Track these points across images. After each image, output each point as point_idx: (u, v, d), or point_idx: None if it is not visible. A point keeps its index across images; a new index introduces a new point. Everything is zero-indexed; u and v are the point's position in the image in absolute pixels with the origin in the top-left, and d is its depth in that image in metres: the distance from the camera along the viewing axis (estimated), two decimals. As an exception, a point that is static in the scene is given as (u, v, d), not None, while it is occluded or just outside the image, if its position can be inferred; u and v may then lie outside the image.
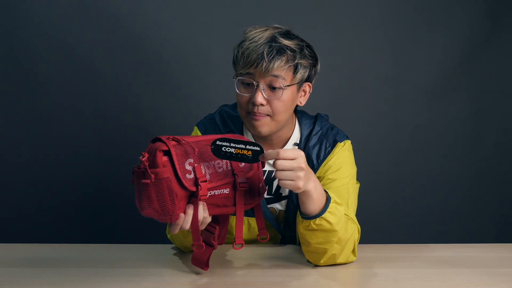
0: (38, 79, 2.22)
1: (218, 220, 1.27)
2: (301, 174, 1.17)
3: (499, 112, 2.40)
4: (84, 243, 1.51)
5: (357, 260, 1.36)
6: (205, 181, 1.13)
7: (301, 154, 1.18)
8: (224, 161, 1.19)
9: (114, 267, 1.28)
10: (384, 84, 2.35)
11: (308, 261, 1.34)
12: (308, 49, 1.40)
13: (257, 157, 1.15)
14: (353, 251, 1.34)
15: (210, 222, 1.22)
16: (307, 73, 1.40)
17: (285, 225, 1.49)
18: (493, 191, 2.41)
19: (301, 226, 1.27)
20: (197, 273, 1.25)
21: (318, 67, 1.44)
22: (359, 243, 1.37)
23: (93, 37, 2.22)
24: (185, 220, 1.13)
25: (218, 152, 1.14)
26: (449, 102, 2.37)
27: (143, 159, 1.08)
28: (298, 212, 1.29)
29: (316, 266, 1.31)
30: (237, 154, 1.15)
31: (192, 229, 1.14)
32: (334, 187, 1.40)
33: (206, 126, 1.51)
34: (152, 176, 1.08)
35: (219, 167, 1.18)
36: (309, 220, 1.25)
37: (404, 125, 2.36)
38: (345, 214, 1.30)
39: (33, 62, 2.21)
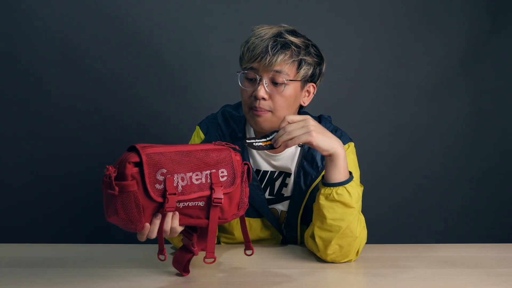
0: (38, 79, 2.22)
1: (195, 227, 1.23)
2: (311, 126, 1.24)
3: (499, 112, 2.40)
4: (84, 243, 1.51)
5: (357, 260, 1.36)
6: (174, 194, 1.10)
7: (307, 116, 1.27)
8: (204, 173, 1.15)
9: (114, 267, 1.28)
10: (384, 84, 2.35)
11: (317, 259, 1.33)
12: (313, 47, 1.41)
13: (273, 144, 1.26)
14: (357, 251, 1.34)
15: (187, 229, 1.20)
16: (311, 71, 1.40)
17: (287, 226, 1.49)
18: (493, 191, 2.42)
19: (322, 196, 1.30)
20: (197, 273, 1.25)
21: (323, 67, 1.45)
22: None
23: (93, 37, 2.22)
24: (151, 230, 1.11)
25: (251, 146, 1.27)
26: (449, 102, 2.37)
27: (107, 173, 1.06)
28: (320, 183, 1.32)
29: (316, 266, 1.31)
30: (266, 145, 1.28)
31: (158, 238, 1.13)
32: None
33: (208, 126, 1.51)
34: (116, 188, 1.05)
35: (197, 179, 1.14)
36: (331, 188, 1.28)
37: (404, 125, 2.36)
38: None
39: (33, 62, 2.21)
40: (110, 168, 1.07)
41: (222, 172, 1.17)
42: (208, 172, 1.15)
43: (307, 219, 1.44)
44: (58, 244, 1.49)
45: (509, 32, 2.35)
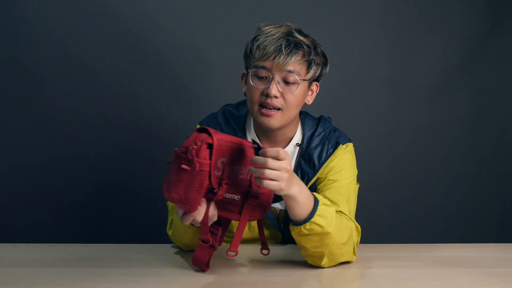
0: (38, 79, 2.22)
1: (221, 222, 1.27)
2: (285, 176, 1.16)
3: (499, 112, 2.40)
4: (84, 243, 1.51)
5: (357, 260, 1.36)
6: (228, 184, 1.15)
7: (289, 156, 1.18)
8: (246, 171, 1.19)
9: (114, 267, 1.28)
10: (384, 84, 2.35)
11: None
12: (320, 47, 1.43)
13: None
14: (354, 251, 1.34)
15: (213, 223, 1.23)
16: (318, 71, 1.42)
17: (286, 225, 1.50)
18: (493, 191, 2.41)
19: (294, 233, 1.27)
20: (198, 273, 1.25)
21: (328, 68, 1.46)
22: (360, 243, 1.37)
23: (93, 37, 2.22)
24: (200, 213, 1.15)
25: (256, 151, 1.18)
26: (449, 102, 2.37)
27: (194, 146, 1.10)
28: (290, 222, 1.28)
29: (315, 266, 1.31)
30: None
31: (202, 223, 1.17)
32: (335, 187, 1.41)
33: (209, 125, 1.51)
34: (197, 165, 1.09)
35: (241, 173, 1.18)
36: (299, 226, 1.24)
37: (404, 125, 2.36)
38: (339, 214, 1.33)
39: (33, 62, 2.20)
40: (198, 142, 1.10)
41: None
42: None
43: None
44: (58, 244, 1.49)
45: (509, 32, 2.35)
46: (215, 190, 1.14)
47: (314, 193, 1.28)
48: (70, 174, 2.26)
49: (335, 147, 1.47)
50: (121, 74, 2.25)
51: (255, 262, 1.34)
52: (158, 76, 2.26)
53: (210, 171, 1.12)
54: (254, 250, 1.43)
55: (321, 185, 1.44)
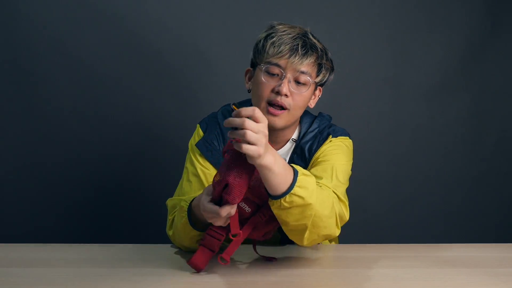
0: (38, 80, 2.22)
1: (227, 227, 1.23)
2: (264, 140, 1.07)
3: (499, 112, 2.40)
4: (84, 243, 1.51)
5: (357, 260, 1.36)
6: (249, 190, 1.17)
7: (265, 119, 1.09)
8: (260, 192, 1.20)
9: (114, 267, 1.28)
10: (384, 84, 2.35)
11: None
12: (330, 53, 1.45)
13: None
14: (336, 224, 1.28)
15: (217, 228, 1.22)
16: (326, 76, 1.44)
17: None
18: (493, 191, 2.42)
19: (273, 208, 1.17)
20: (197, 273, 1.25)
21: (333, 75, 1.48)
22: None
23: (93, 37, 2.22)
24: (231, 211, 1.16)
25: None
26: (449, 102, 2.37)
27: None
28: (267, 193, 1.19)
29: (316, 266, 1.31)
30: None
31: (232, 219, 1.18)
32: (321, 166, 1.39)
33: (208, 124, 1.51)
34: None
35: (262, 186, 1.18)
36: (279, 200, 1.14)
37: (404, 125, 2.36)
38: (319, 185, 1.26)
39: (33, 62, 2.21)
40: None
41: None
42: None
43: None
44: (58, 244, 1.49)
45: (509, 32, 2.35)
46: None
47: (292, 164, 1.19)
48: (70, 174, 2.26)
49: (325, 139, 1.47)
50: (121, 74, 2.25)
51: (255, 262, 1.34)
52: (158, 76, 2.26)
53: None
54: (253, 250, 1.43)
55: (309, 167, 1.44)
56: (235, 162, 1.13)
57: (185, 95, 2.28)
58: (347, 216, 1.34)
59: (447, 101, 2.37)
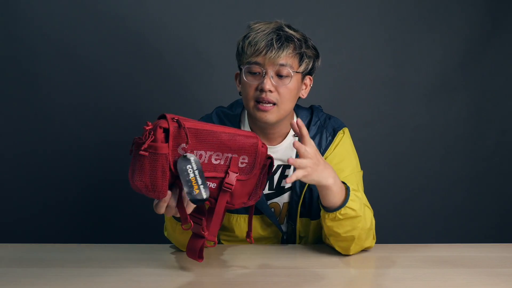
0: (38, 79, 2.22)
1: (203, 211, 1.24)
2: (317, 167, 1.24)
3: (499, 112, 2.39)
4: (84, 243, 1.51)
5: (357, 260, 1.36)
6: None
7: (315, 150, 1.26)
8: (225, 155, 1.17)
9: (114, 267, 1.28)
10: (384, 84, 2.35)
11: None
12: (310, 41, 1.46)
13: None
14: (374, 236, 1.42)
15: (195, 213, 1.21)
16: (310, 64, 1.44)
17: (289, 218, 1.50)
18: (493, 191, 2.41)
19: (328, 219, 1.32)
20: (197, 273, 1.25)
21: (320, 61, 1.48)
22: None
23: (93, 37, 2.21)
24: (171, 199, 1.14)
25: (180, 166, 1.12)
26: (449, 102, 2.37)
27: (147, 128, 1.09)
28: (321, 208, 1.34)
29: (316, 266, 1.32)
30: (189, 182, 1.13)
31: (178, 209, 1.15)
32: (343, 178, 1.42)
33: None
34: (153, 149, 1.09)
35: (216, 159, 1.17)
36: (335, 212, 1.30)
37: (404, 125, 2.36)
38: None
39: (33, 62, 2.20)
40: (149, 124, 1.10)
41: (244, 159, 1.19)
42: (229, 155, 1.18)
43: (306, 211, 1.48)
44: (58, 244, 1.49)
45: (509, 32, 2.35)
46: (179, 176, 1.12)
47: (342, 180, 1.34)
48: (70, 174, 2.26)
49: (333, 135, 1.50)
50: (121, 74, 2.25)
51: (255, 262, 1.34)
52: (158, 76, 2.26)
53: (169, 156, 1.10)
54: (253, 250, 1.43)
55: None
56: (134, 164, 1.11)
57: (185, 95, 2.28)
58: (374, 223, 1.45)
59: (447, 101, 2.36)
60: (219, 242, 1.56)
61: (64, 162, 2.26)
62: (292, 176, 1.21)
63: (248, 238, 1.29)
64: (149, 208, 2.27)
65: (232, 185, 1.18)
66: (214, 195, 1.19)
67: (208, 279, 1.22)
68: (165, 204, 1.14)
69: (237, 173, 1.18)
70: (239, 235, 1.50)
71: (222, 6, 2.25)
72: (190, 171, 1.12)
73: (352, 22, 2.31)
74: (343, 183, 1.33)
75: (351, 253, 1.38)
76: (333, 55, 2.24)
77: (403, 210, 2.39)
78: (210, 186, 1.17)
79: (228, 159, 1.18)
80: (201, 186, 1.13)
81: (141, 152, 1.08)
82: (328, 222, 1.33)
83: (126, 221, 2.29)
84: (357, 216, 1.32)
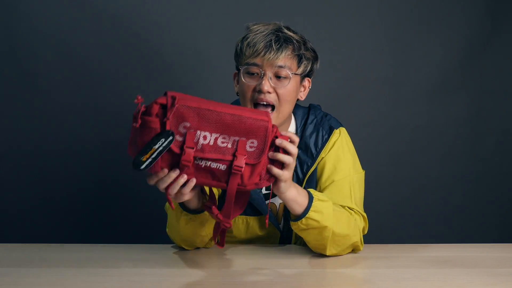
0: (38, 79, 2.22)
1: (214, 198, 1.26)
2: (293, 164, 1.20)
3: (499, 112, 2.40)
4: (84, 243, 1.51)
5: (357, 260, 1.36)
6: (192, 148, 1.11)
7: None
8: (232, 139, 1.15)
9: (114, 267, 1.28)
10: (384, 84, 2.35)
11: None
12: (309, 43, 1.45)
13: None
14: (360, 241, 1.39)
15: (206, 203, 1.23)
16: (309, 66, 1.44)
17: (286, 220, 1.50)
18: (493, 191, 2.41)
19: (294, 228, 1.32)
20: (198, 273, 1.25)
21: (318, 63, 1.48)
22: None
23: (93, 37, 2.22)
24: (163, 180, 1.12)
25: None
26: (449, 102, 2.37)
27: (136, 102, 1.11)
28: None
29: (316, 266, 1.32)
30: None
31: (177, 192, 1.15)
32: (335, 184, 1.42)
33: None
34: (139, 121, 1.10)
35: (222, 142, 1.14)
36: (297, 222, 1.29)
37: (404, 125, 2.36)
38: (341, 208, 1.36)
39: (33, 62, 2.21)
40: (139, 97, 1.13)
41: (252, 143, 1.16)
42: (236, 138, 1.15)
43: None
44: (58, 244, 1.49)
45: (509, 32, 2.35)
46: (180, 156, 1.11)
47: (309, 190, 1.31)
48: (70, 174, 2.26)
49: (329, 133, 1.49)
50: (120, 74, 2.25)
51: (255, 262, 1.34)
52: (158, 76, 2.26)
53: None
54: (253, 250, 1.44)
55: (321, 183, 1.45)
56: (131, 134, 1.13)
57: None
58: (366, 230, 1.44)
59: (447, 101, 2.37)
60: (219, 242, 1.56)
61: (64, 162, 2.26)
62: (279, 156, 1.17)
63: (224, 222, 1.22)
64: (149, 208, 2.28)
65: (241, 167, 1.15)
66: (225, 178, 1.17)
67: (208, 279, 1.22)
68: (155, 180, 1.13)
69: (245, 156, 1.15)
70: (237, 235, 1.50)
71: (222, 6, 2.26)
72: (159, 143, 1.10)
73: (352, 22, 2.31)
74: (308, 192, 1.30)
75: (328, 255, 1.35)
76: (333, 55, 2.24)
77: (403, 210, 2.39)
78: (219, 168, 1.15)
79: (236, 143, 1.15)
80: (149, 160, 1.10)
81: (133, 125, 1.11)
82: (295, 231, 1.33)
83: (126, 221, 2.29)
84: (323, 226, 1.28)
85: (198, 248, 1.43)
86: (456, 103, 2.37)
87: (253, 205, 1.46)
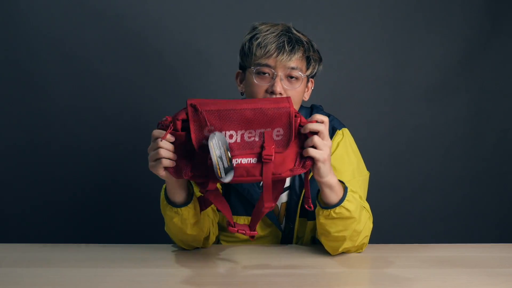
0: (38, 79, 2.22)
1: (208, 203, 1.30)
2: (328, 143, 1.20)
3: (499, 112, 2.39)
4: (84, 243, 1.51)
5: (357, 260, 1.36)
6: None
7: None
8: (258, 131, 1.16)
9: (114, 267, 1.28)
10: (384, 84, 2.35)
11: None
12: (315, 45, 1.46)
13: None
14: (367, 240, 1.40)
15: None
16: (316, 68, 1.45)
17: (287, 218, 1.50)
18: (493, 191, 2.41)
19: (322, 216, 1.30)
20: (197, 273, 1.25)
21: (322, 65, 1.49)
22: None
23: (93, 37, 2.22)
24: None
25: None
26: (449, 102, 2.37)
27: (165, 123, 1.17)
28: (318, 204, 1.32)
29: (317, 266, 1.32)
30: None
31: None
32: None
33: None
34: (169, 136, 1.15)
35: (249, 137, 1.16)
36: (329, 210, 1.28)
37: (404, 125, 2.36)
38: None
39: (33, 62, 2.21)
40: (168, 118, 1.18)
41: (278, 131, 1.17)
42: (262, 130, 1.16)
43: (305, 211, 1.46)
44: (58, 244, 1.49)
45: (509, 32, 2.35)
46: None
47: (340, 179, 1.31)
48: (70, 174, 2.26)
49: (332, 133, 1.49)
50: (121, 74, 2.25)
51: (255, 262, 1.34)
52: (158, 76, 2.26)
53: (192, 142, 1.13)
54: (253, 250, 1.43)
55: None
56: None
57: (185, 95, 2.26)
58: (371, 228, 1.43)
59: (447, 101, 2.36)
60: (218, 242, 1.56)
61: (64, 162, 2.26)
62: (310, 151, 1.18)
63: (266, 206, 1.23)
64: (149, 208, 2.28)
65: (271, 155, 1.15)
66: (258, 171, 1.17)
67: (208, 279, 1.22)
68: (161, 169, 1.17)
69: (273, 145, 1.16)
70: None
71: (222, 6, 2.26)
72: (216, 147, 1.12)
73: (352, 22, 2.31)
74: (341, 182, 1.31)
75: (337, 253, 1.36)
76: (333, 55, 2.24)
77: (403, 210, 2.39)
78: (250, 162, 1.16)
79: (262, 134, 1.16)
80: (224, 166, 1.13)
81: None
82: (322, 219, 1.31)
83: (126, 221, 2.29)
84: (351, 217, 1.30)
85: (197, 248, 1.43)
86: (456, 103, 2.37)
87: (254, 204, 1.46)
